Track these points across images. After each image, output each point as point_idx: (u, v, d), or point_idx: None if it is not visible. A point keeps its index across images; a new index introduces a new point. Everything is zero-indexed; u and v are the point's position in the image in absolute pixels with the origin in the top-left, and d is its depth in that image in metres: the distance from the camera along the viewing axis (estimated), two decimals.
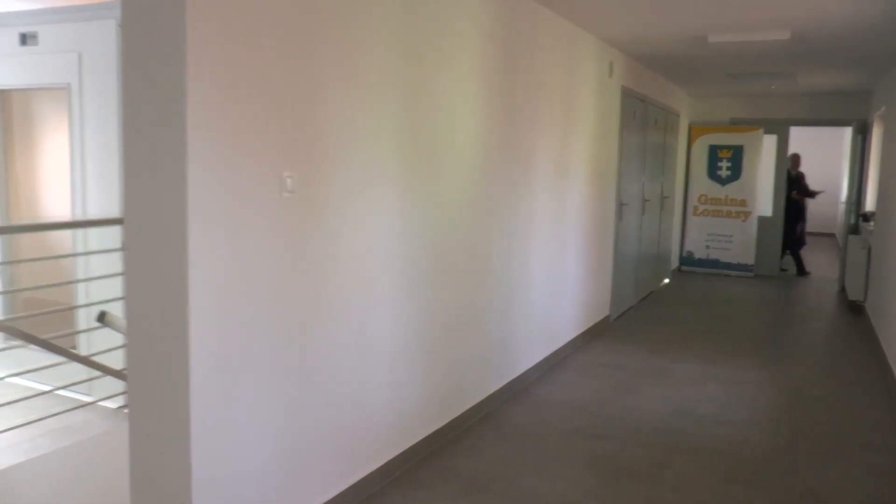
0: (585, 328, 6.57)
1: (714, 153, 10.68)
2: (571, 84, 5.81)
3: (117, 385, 4.18)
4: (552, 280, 5.70)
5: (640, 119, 7.97)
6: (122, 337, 4.09)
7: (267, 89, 2.64)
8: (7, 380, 4.29)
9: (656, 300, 8.74)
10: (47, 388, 4.17)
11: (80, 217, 4.50)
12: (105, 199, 4.41)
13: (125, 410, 4.18)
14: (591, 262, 6.63)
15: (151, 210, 2.39)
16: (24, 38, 4.66)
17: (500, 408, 4.76)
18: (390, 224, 3.50)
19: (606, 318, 7.23)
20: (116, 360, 4.18)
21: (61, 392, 4.20)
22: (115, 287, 4.19)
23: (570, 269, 6.12)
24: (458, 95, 4.06)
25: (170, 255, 2.36)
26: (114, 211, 4.36)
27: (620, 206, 7.39)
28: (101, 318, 3.70)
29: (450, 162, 4.03)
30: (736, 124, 10.77)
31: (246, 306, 2.63)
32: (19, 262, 5.07)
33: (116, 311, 3.95)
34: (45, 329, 3.90)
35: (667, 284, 9.81)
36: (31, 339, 3.74)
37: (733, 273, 10.63)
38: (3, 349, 4.50)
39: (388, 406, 3.63)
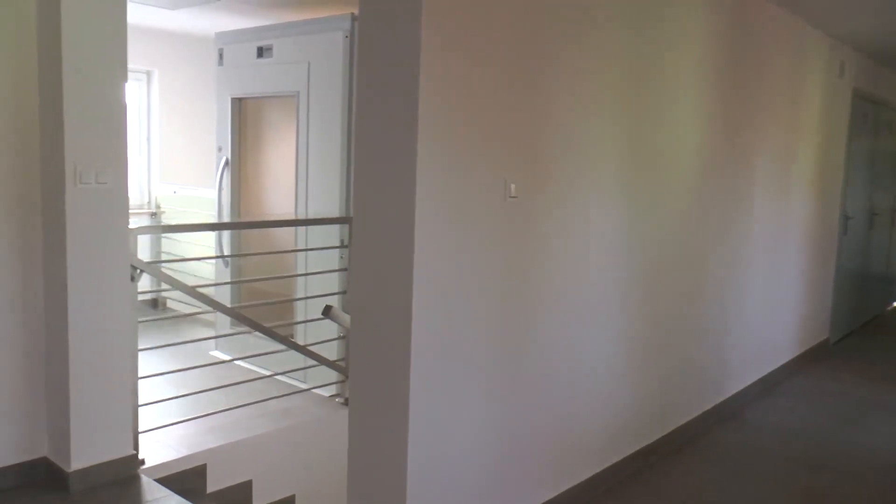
0: (802, 351, 6.10)
1: None
2: (797, 87, 5.41)
3: (331, 374, 4.42)
4: (768, 298, 5.34)
5: (872, 124, 7.28)
6: (340, 329, 4.33)
7: (493, 99, 2.68)
8: (232, 362, 4.68)
9: (883, 324, 7.94)
10: (267, 373, 4.51)
11: (302, 216, 4.81)
12: (325, 200, 4.68)
13: (337, 399, 4.42)
14: (810, 281, 6.14)
15: (380, 209, 2.50)
16: (261, 51, 5.06)
17: (711, 429, 4.52)
18: (606, 236, 3.44)
19: (825, 342, 6.66)
20: (330, 351, 4.42)
21: (280, 377, 4.51)
22: (333, 282, 4.44)
23: (788, 287, 5.70)
24: (679, 105, 3.91)
25: (396, 253, 2.45)
26: (333, 211, 4.61)
27: (845, 219, 6.79)
28: (327, 311, 3.91)
29: (667, 175, 3.89)
30: None
31: (465, 307, 2.68)
32: (248, 255, 5.52)
33: (333, 304, 4.17)
34: (265, 319, 4.21)
35: None
36: (256, 326, 4.05)
37: None
38: (231, 335, 4.91)
39: (597, 419, 3.56)
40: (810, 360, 6.23)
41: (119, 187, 3.30)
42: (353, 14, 4.51)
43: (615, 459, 3.71)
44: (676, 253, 4.06)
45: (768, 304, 5.37)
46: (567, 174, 3.12)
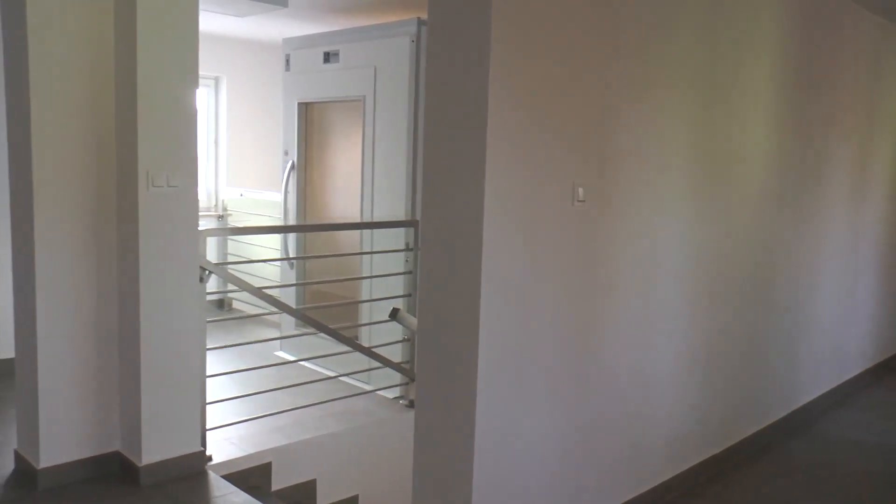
0: (878, 360, 5.87)
1: None
2: (876, 90, 5.22)
3: (395, 376, 4.44)
4: (841, 307, 5.16)
5: None
6: (405, 332, 4.35)
7: (562, 103, 2.66)
8: (297, 363, 4.74)
9: None
10: (332, 374, 4.55)
11: (368, 219, 4.85)
12: (391, 203, 4.71)
13: (402, 401, 4.43)
14: (887, 289, 5.91)
15: (448, 212, 2.50)
16: (328, 56, 5.13)
17: (781, 440, 4.38)
18: (673, 242, 3.37)
19: None
20: (394, 353, 4.44)
21: (344, 379, 4.55)
22: (398, 284, 4.46)
23: (863, 297, 5.49)
24: (750, 110, 3.81)
25: (464, 256, 2.44)
26: (398, 214, 4.63)
27: None
28: (394, 314, 3.93)
29: (737, 181, 3.79)
30: None
31: (533, 312, 2.66)
32: (314, 257, 5.59)
33: (398, 306, 4.19)
34: (330, 321, 4.25)
35: None
36: (321, 327, 4.09)
37: None
38: (296, 336, 4.98)
39: (663, 427, 3.49)
40: (888, 370, 5.99)
41: (189, 190, 3.38)
42: (419, 19, 4.53)
43: (682, 468, 3.63)
44: (745, 260, 3.96)
45: (842, 314, 5.18)
46: (635, 179, 3.07)
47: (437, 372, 2.57)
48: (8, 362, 3.91)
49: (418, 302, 2.64)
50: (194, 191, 3.42)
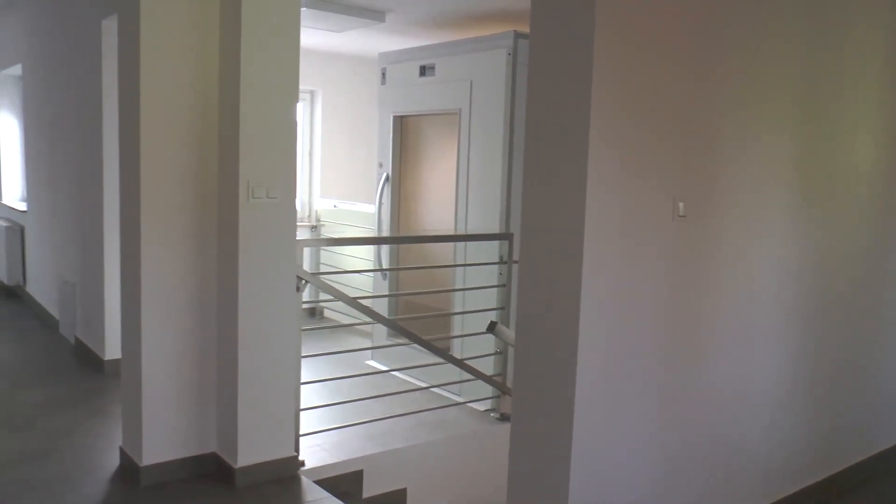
0: None
1: None
2: None
3: (486, 389, 4.42)
4: None
5: None
6: (497, 344, 4.33)
7: (664, 118, 2.60)
8: (388, 373, 4.78)
9: None
10: (423, 385, 4.57)
11: (461, 231, 4.86)
12: (485, 216, 4.71)
13: (493, 414, 4.41)
14: None
15: (548, 225, 2.47)
16: (423, 70, 5.19)
17: (888, 472, 4.14)
18: (775, 259, 3.24)
19: None
20: (486, 366, 4.42)
21: (435, 390, 4.56)
22: (491, 297, 4.45)
23: None
24: (858, 124, 3.63)
25: (563, 271, 2.41)
26: (493, 227, 4.62)
27: None
28: (491, 327, 3.92)
29: (843, 199, 3.61)
30: None
31: (632, 329, 2.60)
32: (408, 269, 5.65)
33: (489, 318, 4.17)
34: (422, 332, 4.27)
35: None
36: (414, 338, 4.11)
37: None
38: (388, 346, 5.03)
39: (761, 454, 3.34)
40: None
41: (288, 202, 3.46)
42: (515, 31, 4.53)
43: (777, 497, 3.47)
44: (852, 280, 3.77)
45: None
46: (738, 194, 2.97)
47: (533, 386, 2.54)
48: (118, 362, 4.08)
49: (516, 315, 2.61)
50: (293, 202, 3.50)
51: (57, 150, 6.17)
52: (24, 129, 7.53)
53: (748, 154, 2.99)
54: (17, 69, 7.60)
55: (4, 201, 8.21)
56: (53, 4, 6.11)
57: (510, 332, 3.82)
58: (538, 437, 2.54)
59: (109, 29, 4.73)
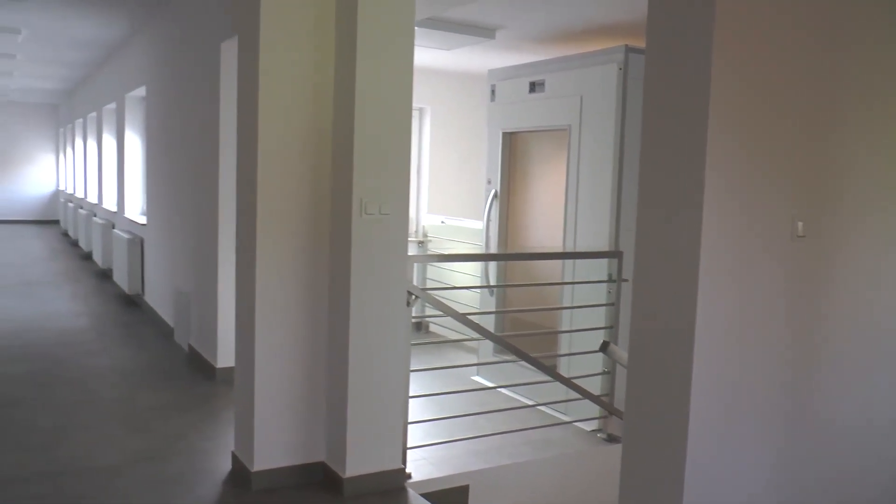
0: None
1: None
2: None
3: (592, 409, 4.34)
4: None
5: None
6: (606, 364, 4.25)
7: (783, 130, 2.49)
8: (494, 390, 4.77)
9: None
10: (529, 403, 4.53)
11: (570, 248, 4.81)
12: (594, 233, 4.65)
13: (599, 435, 4.33)
14: None
15: (663, 244, 2.41)
16: (533, 86, 5.18)
17: None
18: None
19: None
20: (593, 386, 4.35)
21: (540, 408, 4.52)
22: (599, 316, 4.38)
23: None
24: None
25: (678, 291, 2.35)
26: (602, 244, 4.55)
27: None
28: (604, 347, 3.85)
29: None
30: None
31: (749, 350, 2.50)
32: (515, 285, 5.64)
33: (598, 337, 4.10)
34: (528, 349, 4.23)
35: None
36: (522, 355, 4.09)
37: None
38: (494, 363, 5.02)
39: (881, 486, 3.13)
40: None
41: (399, 218, 3.51)
42: (626, 46, 4.46)
43: None
44: None
45: None
46: (858, 213, 2.81)
47: (646, 411, 2.47)
48: (229, 370, 4.23)
49: (630, 335, 2.56)
50: (405, 218, 3.54)
51: (175, 166, 6.48)
52: (146, 147, 7.95)
53: (871, 172, 2.83)
54: (141, 91, 8.04)
55: (126, 215, 8.69)
56: (177, 28, 6.43)
57: (623, 353, 3.74)
58: (650, 461, 2.48)
59: (228, 50, 4.94)
